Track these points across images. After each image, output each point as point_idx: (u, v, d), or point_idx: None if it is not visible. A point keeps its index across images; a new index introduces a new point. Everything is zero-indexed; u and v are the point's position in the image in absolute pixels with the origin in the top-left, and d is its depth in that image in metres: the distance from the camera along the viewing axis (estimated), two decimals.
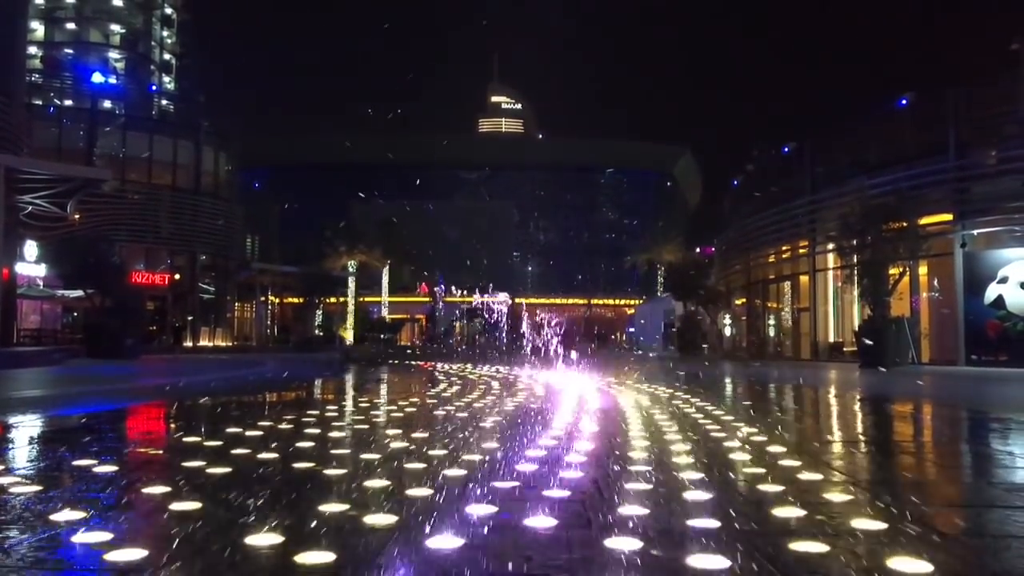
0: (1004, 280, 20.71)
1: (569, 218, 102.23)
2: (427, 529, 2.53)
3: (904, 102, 25.78)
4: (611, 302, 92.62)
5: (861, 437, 6.17)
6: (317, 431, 5.33)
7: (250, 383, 12.60)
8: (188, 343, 42.12)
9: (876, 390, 11.70)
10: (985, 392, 11.68)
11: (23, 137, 26.45)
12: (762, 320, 35.08)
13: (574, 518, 2.75)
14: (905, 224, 20.08)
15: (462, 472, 3.62)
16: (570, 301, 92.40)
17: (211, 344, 43.31)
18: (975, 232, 22.26)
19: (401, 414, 6.88)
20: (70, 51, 62.51)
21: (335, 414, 6.81)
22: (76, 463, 3.89)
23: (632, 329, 67.24)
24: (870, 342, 19.43)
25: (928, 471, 4.45)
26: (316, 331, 44.99)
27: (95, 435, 5.62)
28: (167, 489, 3.21)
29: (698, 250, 53.48)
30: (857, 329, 22.39)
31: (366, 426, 6.03)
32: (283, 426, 5.69)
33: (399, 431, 5.41)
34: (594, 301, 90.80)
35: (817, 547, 2.37)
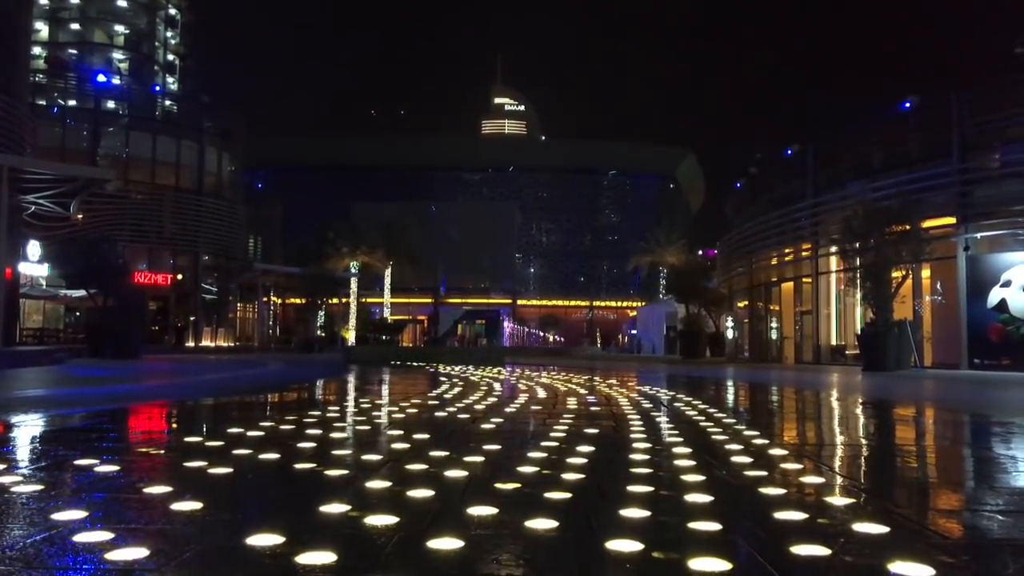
0: (1007, 284, 20.67)
1: (572, 220, 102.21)
2: None
3: (908, 105, 25.77)
4: (613, 304, 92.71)
5: (862, 440, 6.16)
6: (318, 432, 5.33)
7: (252, 384, 12.60)
8: (190, 343, 42.18)
9: (878, 394, 11.68)
10: (987, 396, 11.65)
11: (27, 137, 26.52)
12: (765, 323, 35.05)
13: None
14: (908, 227, 20.06)
15: None
16: (572, 303, 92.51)
17: (213, 344, 43.36)
18: (978, 236, 22.23)
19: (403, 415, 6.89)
20: (74, 51, 62.70)
21: (336, 415, 6.81)
22: (77, 462, 3.89)
23: (634, 331, 67.23)
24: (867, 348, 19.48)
25: (930, 475, 4.44)
26: (318, 332, 45.04)
27: (96, 434, 5.63)
28: (168, 488, 3.21)
29: (701, 253, 53.53)
30: (859, 333, 22.37)
31: (367, 427, 6.03)
32: (284, 427, 5.69)
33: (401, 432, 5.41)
34: (596, 303, 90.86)
35: (817, 550, 2.37)
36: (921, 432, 7.06)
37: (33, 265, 32.34)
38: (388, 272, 51.90)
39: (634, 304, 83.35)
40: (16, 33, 26.82)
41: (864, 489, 3.73)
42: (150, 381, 13.08)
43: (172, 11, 69.55)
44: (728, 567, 2.19)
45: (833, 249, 25.75)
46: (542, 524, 2.63)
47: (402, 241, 51.02)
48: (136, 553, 2.27)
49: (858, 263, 21.75)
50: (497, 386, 11.46)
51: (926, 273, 23.91)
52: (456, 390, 10.24)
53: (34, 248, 31.76)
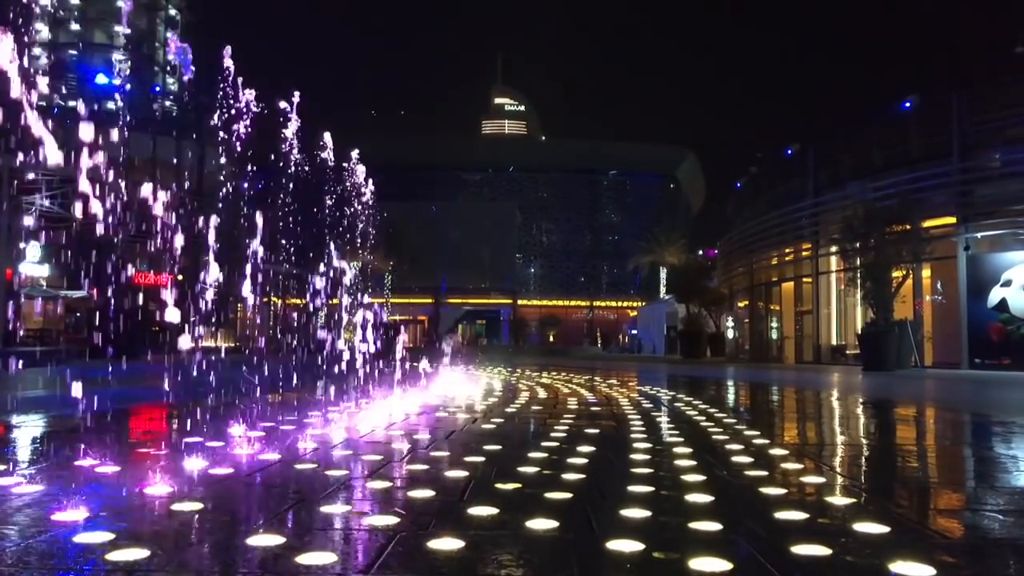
0: (1007, 283, 20.67)
1: (572, 220, 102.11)
2: None
3: (908, 105, 25.74)
4: (614, 304, 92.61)
5: (863, 440, 6.16)
6: (318, 431, 5.33)
7: (254, 383, 12.57)
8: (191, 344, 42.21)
9: (878, 393, 11.67)
10: (988, 396, 11.65)
11: (26, 138, 26.52)
12: (765, 323, 35.03)
13: None
14: (908, 227, 20.05)
15: None
16: (572, 303, 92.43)
17: (214, 345, 43.36)
18: (979, 235, 22.22)
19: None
20: (74, 52, 62.66)
21: (337, 415, 6.81)
22: (78, 463, 3.89)
23: (634, 331, 67.22)
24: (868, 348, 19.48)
25: (930, 475, 4.44)
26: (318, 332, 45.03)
27: (97, 435, 5.62)
28: (169, 489, 3.20)
29: (701, 252, 53.51)
30: (860, 332, 22.36)
31: (367, 428, 6.03)
32: (285, 427, 5.69)
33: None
34: (596, 303, 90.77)
35: (818, 550, 2.37)
36: (922, 432, 7.05)
37: (33, 265, 32.33)
38: (388, 272, 51.95)
39: (634, 304, 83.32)
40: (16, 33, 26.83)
41: (865, 489, 3.73)
42: (152, 382, 13.05)
43: (172, 12, 69.58)
44: (729, 567, 2.18)
45: (833, 249, 25.72)
46: (543, 524, 2.63)
47: (402, 241, 51.05)
48: (135, 553, 2.26)
49: (858, 263, 21.72)
50: (497, 386, 11.46)
51: (926, 273, 23.89)
52: (456, 389, 10.25)
53: (34, 248, 31.75)
